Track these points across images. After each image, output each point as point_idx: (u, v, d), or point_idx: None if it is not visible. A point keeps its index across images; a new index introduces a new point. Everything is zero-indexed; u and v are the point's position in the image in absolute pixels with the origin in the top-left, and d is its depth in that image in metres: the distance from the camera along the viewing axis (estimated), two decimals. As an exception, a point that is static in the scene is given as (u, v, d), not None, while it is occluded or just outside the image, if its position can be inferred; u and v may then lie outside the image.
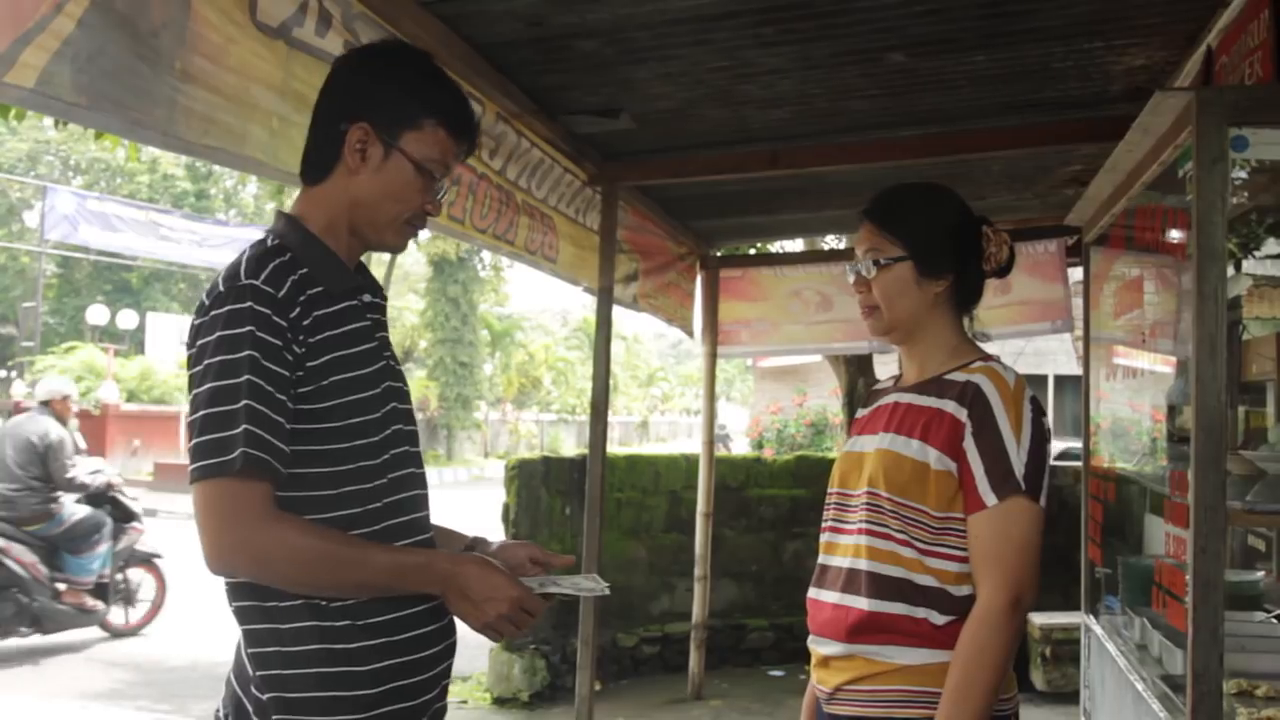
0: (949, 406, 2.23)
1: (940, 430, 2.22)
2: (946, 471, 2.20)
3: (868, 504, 2.27)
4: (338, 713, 1.86)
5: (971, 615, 2.15)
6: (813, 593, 2.40)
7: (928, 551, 2.21)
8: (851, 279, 2.44)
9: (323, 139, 1.99)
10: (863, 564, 2.26)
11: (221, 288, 1.85)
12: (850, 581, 2.28)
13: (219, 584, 1.90)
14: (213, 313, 1.83)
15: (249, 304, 1.81)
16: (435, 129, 1.99)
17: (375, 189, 1.98)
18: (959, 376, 2.27)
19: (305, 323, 1.85)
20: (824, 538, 2.42)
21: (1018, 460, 2.16)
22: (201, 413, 1.79)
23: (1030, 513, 2.16)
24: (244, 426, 1.76)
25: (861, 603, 2.24)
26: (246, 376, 1.77)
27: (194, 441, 1.80)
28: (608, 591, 2.60)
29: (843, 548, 2.33)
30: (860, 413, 2.53)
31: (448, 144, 2.02)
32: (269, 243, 1.93)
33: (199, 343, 1.84)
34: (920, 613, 2.20)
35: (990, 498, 2.16)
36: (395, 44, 2.12)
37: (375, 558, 1.88)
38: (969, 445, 2.19)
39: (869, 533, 2.26)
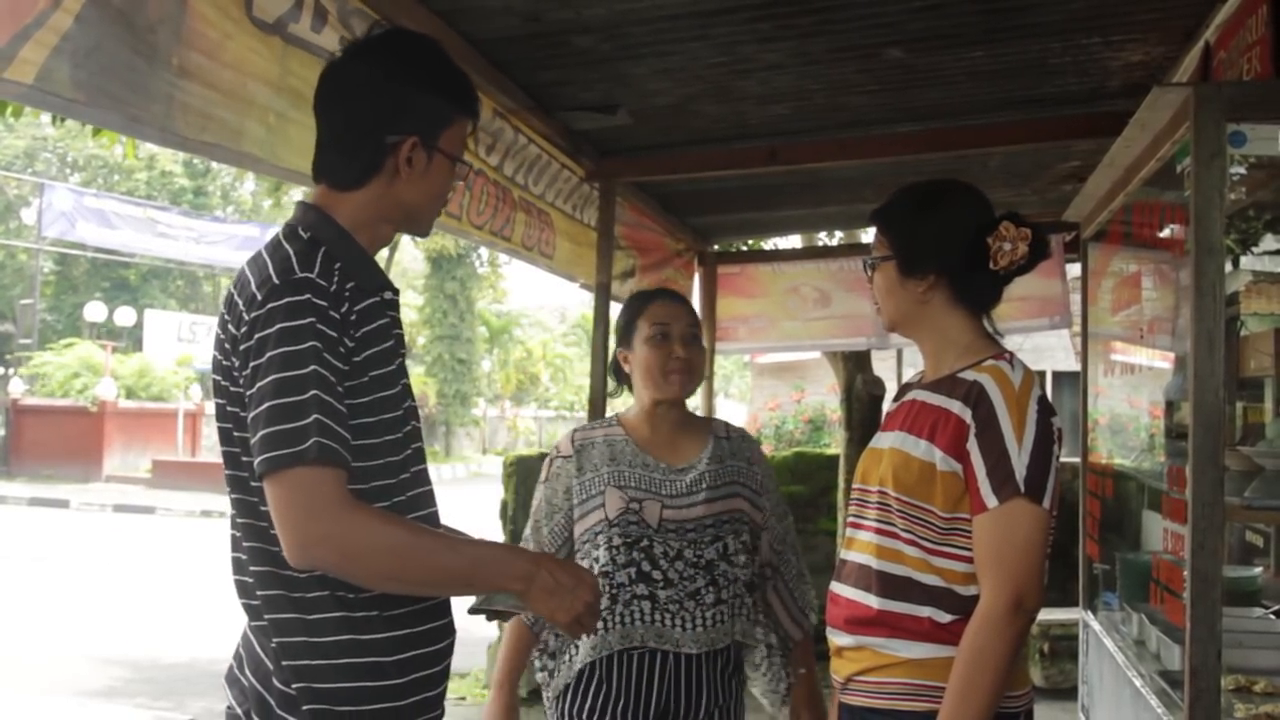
0: (955, 406, 2.24)
1: (946, 430, 2.23)
2: (952, 472, 2.21)
3: (879, 502, 2.30)
4: (367, 702, 1.85)
5: (973, 618, 2.16)
6: (833, 586, 2.43)
7: (934, 551, 2.23)
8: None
9: (358, 149, 1.98)
10: (873, 562, 2.29)
11: (276, 280, 1.82)
12: (863, 577, 2.31)
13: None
14: (269, 306, 1.80)
15: (308, 296, 1.80)
16: (461, 119, 2.07)
17: (424, 192, 2.03)
18: (969, 375, 2.27)
19: (352, 318, 1.86)
20: (846, 532, 2.46)
21: (1019, 462, 2.15)
22: (267, 404, 1.76)
23: (1032, 515, 2.15)
24: (315, 416, 1.74)
25: (872, 600, 2.27)
26: (313, 367, 1.76)
27: (262, 434, 1.76)
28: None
29: (859, 544, 2.36)
30: (890, 407, 2.55)
31: (467, 128, 2.10)
32: (304, 235, 1.93)
33: (257, 336, 1.80)
34: (924, 611, 2.22)
35: (991, 499, 2.16)
36: (406, 39, 2.11)
37: (461, 549, 1.89)
38: (972, 446, 2.20)
39: (878, 531, 2.29)
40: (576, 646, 2.79)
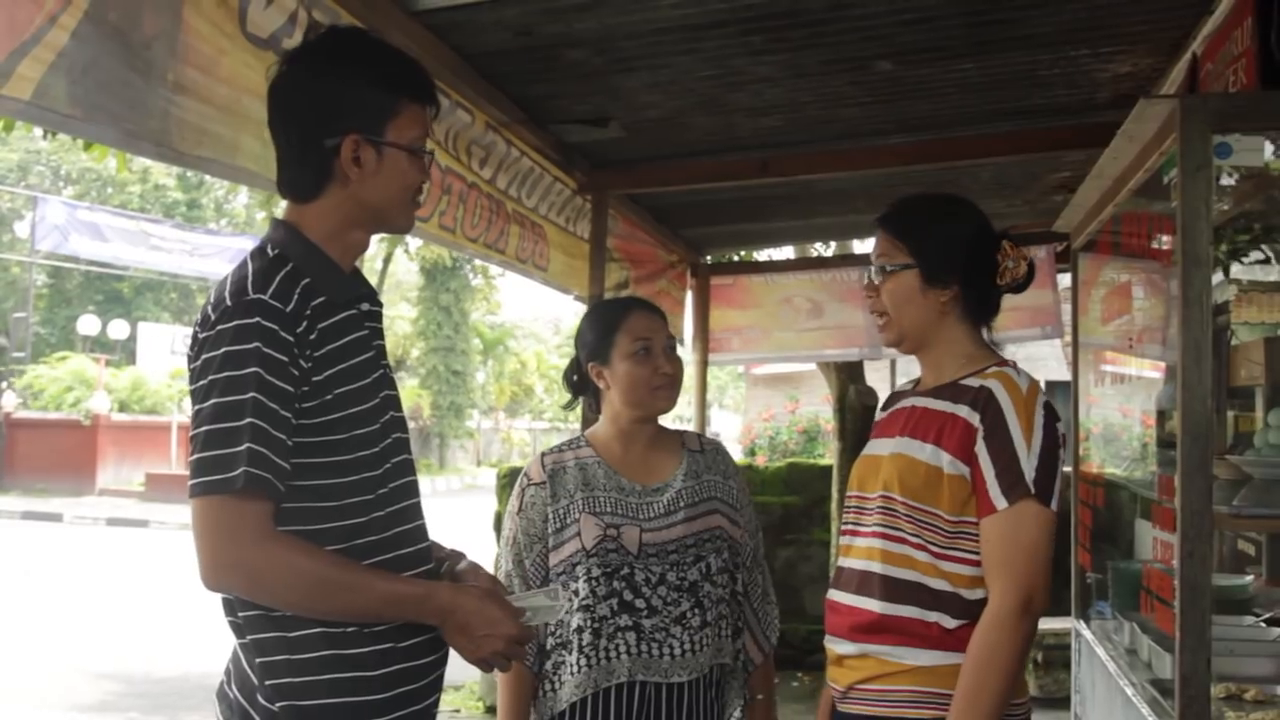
0: (962, 411, 2.26)
1: (953, 434, 2.25)
2: (960, 476, 2.23)
3: (882, 508, 2.30)
4: (351, 718, 1.86)
5: (982, 619, 2.18)
6: (831, 594, 2.43)
7: (941, 555, 2.24)
8: (865, 284, 2.50)
9: (304, 158, 1.96)
10: (876, 567, 2.29)
11: (229, 301, 1.83)
12: (864, 583, 2.31)
13: (209, 595, 1.90)
14: (219, 327, 1.81)
15: (257, 319, 1.79)
16: (409, 106, 1.98)
17: (383, 188, 1.97)
18: (973, 382, 2.30)
19: (311, 337, 1.85)
20: (842, 540, 2.45)
21: (1028, 464, 2.18)
22: (205, 428, 1.78)
23: (1040, 517, 2.18)
24: (247, 444, 1.75)
25: (874, 605, 2.27)
26: (252, 394, 1.76)
27: (195, 456, 1.79)
28: (563, 610, 2.54)
29: (857, 550, 2.36)
30: (880, 415, 2.55)
31: (422, 114, 2.01)
32: (270, 253, 1.92)
33: (204, 356, 1.81)
34: (932, 616, 2.23)
35: (1001, 501, 2.18)
36: (335, 36, 2.06)
37: (374, 585, 1.87)
38: (980, 449, 2.22)
39: (883, 536, 2.29)
40: (561, 682, 2.64)
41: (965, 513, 2.23)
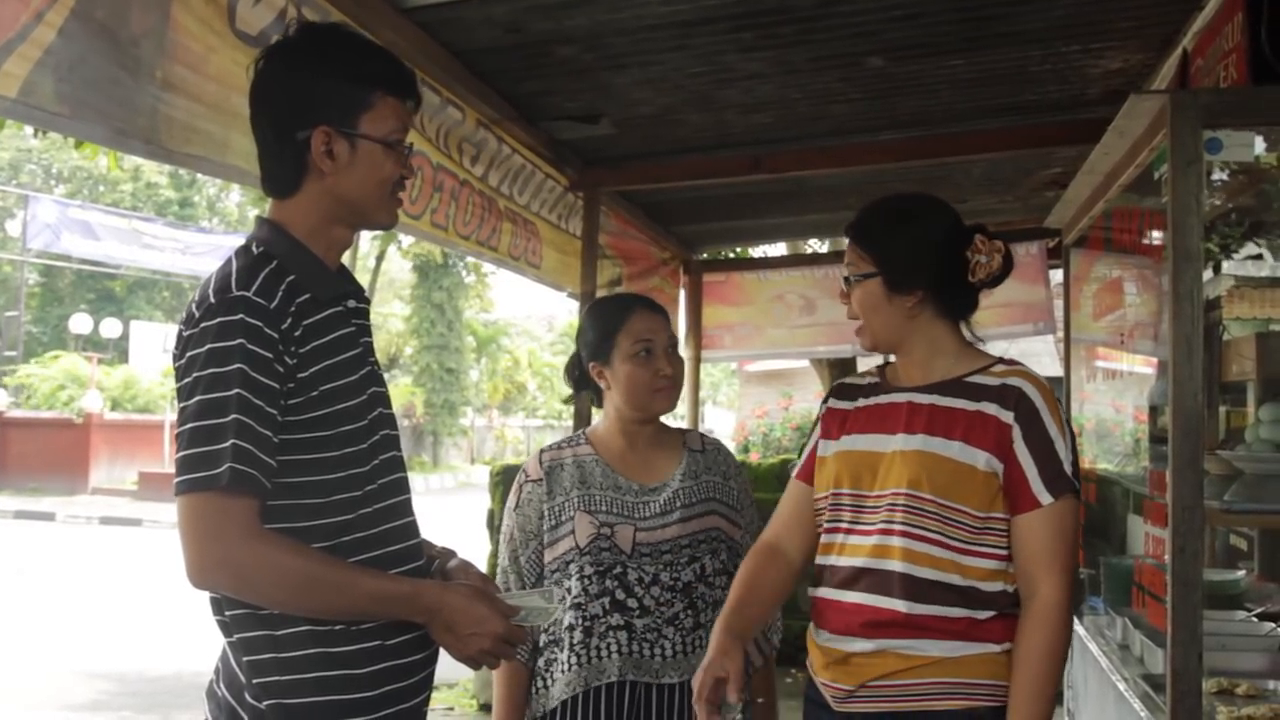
0: (989, 409, 2.27)
1: (986, 433, 2.26)
2: (993, 473, 2.25)
3: (906, 505, 2.28)
4: (338, 717, 1.86)
5: (1033, 613, 2.21)
6: (825, 592, 2.39)
7: (964, 551, 2.25)
8: (840, 292, 2.53)
9: (281, 152, 1.95)
10: (896, 565, 2.26)
11: (212, 299, 1.82)
12: (881, 581, 2.28)
13: (202, 594, 1.89)
14: (203, 325, 1.80)
15: (240, 316, 1.79)
16: (384, 99, 1.96)
17: (356, 181, 1.95)
18: (988, 380, 2.31)
19: (296, 334, 1.84)
20: (830, 538, 2.40)
21: (1066, 459, 2.24)
22: (189, 425, 1.78)
23: (1076, 509, 2.27)
24: (232, 441, 1.74)
25: (896, 603, 2.26)
26: (236, 390, 1.76)
27: (180, 454, 1.78)
28: (558, 612, 2.51)
29: (856, 548, 2.33)
30: (837, 405, 2.52)
31: (399, 108, 1.99)
32: (255, 250, 1.91)
33: (188, 354, 1.81)
34: (957, 612, 2.24)
35: (1045, 497, 2.22)
36: (310, 32, 2.06)
37: (362, 584, 1.86)
38: (1019, 448, 2.24)
39: (905, 534, 2.27)
40: (553, 679, 2.64)
41: (992, 509, 2.26)
